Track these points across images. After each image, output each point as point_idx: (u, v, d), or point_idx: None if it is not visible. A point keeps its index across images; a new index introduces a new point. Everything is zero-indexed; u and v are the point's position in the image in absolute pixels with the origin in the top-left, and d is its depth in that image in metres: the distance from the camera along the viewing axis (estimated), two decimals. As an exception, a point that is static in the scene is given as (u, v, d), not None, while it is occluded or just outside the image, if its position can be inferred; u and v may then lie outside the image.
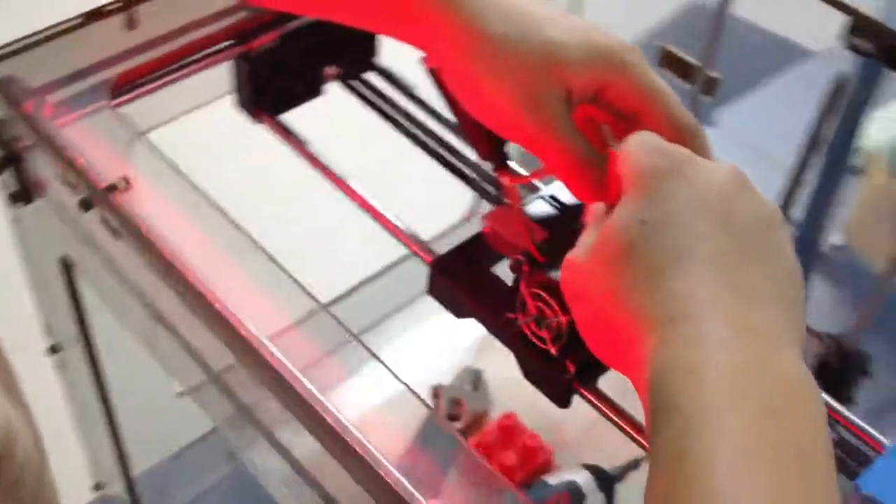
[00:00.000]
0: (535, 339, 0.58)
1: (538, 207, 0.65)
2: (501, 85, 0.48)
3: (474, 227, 0.64)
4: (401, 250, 1.24)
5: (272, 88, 0.75)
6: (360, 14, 0.52)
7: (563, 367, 0.57)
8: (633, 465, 0.92)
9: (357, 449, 0.56)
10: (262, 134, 0.73)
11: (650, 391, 0.37)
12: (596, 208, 0.47)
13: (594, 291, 0.42)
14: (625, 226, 0.41)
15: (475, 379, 1.01)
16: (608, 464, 0.94)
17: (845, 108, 0.93)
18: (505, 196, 0.60)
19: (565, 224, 0.64)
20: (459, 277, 0.63)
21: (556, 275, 0.55)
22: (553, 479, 0.87)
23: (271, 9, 0.63)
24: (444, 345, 1.13)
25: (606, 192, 0.47)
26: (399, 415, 0.60)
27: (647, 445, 0.58)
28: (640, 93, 0.48)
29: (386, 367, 0.62)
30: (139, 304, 0.63)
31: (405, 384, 0.62)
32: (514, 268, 0.57)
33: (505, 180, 0.61)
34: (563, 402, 0.59)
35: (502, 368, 1.13)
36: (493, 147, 0.61)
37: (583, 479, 0.87)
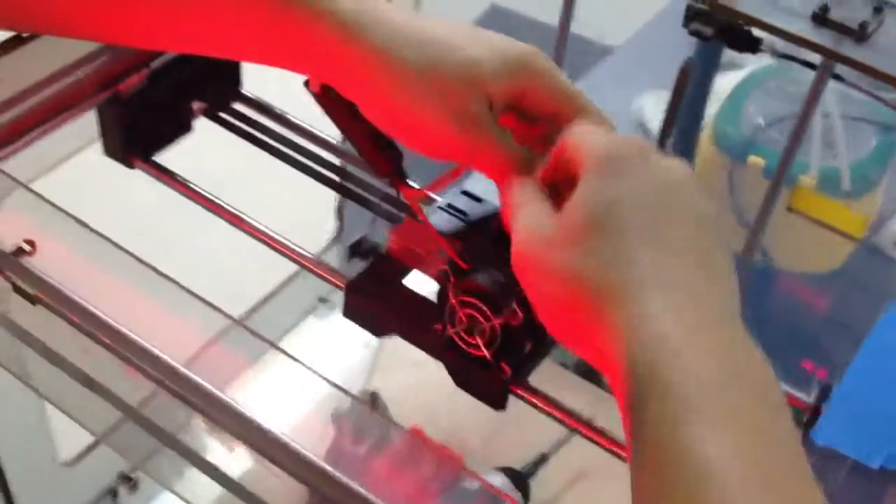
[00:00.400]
0: (466, 347, 0.58)
1: (441, 217, 0.66)
2: (430, 110, 0.48)
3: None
4: (281, 276, 1.23)
5: (142, 131, 0.73)
6: (251, 50, 0.51)
7: (499, 370, 0.57)
8: (542, 460, 0.94)
9: (304, 455, 0.57)
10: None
11: (629, 367, 0.37)
12: (525, 187, 0.47)
13: (558, 269, 0.42)
14: (595, 204, 0.41)
15: (372, 400, 1.00)
16: (517, 463, 0.96)
17: (690, 91, 0.99)
18: (415, 211, 0.60)
19: (471, 229, 0.64)
20: (375, 296, 0.62)
21: (481, 279, 0.56)
22: (471, 486, 0.87)
23: (154, 50, 0.61)
24: (333, 372, 1.12)
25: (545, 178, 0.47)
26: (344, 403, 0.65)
27: (586, 431, 0.60)
28: (556, 95, 0.50)
29: (310, 369, 0.64)
30: (48, 361, 0.60)
31: (333, 383, 0.64)
32: (440, 278, 0.57)
33: (407, 195, 0.61)
34: (500, 405, 0.60)
35: (395, 387, 1.14)
36: (391, 164, 0.61)
37: (498, 481, 0.88)
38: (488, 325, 0.56)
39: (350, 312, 0.64)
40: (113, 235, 0.64)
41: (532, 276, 0.44)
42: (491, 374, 0.58)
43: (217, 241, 1.28)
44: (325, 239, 1.27)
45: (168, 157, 0.74)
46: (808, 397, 0.57)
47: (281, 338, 1.21)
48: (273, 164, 0.79)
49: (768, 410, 0.36)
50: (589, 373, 1.20)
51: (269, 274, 1.24)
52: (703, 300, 0.39)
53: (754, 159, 1.36)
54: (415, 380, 1.11)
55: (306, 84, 0.57)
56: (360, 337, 1.20)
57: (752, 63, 1.55)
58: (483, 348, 0.57)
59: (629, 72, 1.78)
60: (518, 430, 1.06)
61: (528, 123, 0.51)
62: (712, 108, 1.44)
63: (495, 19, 2.17)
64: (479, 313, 0.56)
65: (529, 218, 0.44)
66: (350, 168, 0.78)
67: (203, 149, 0.94)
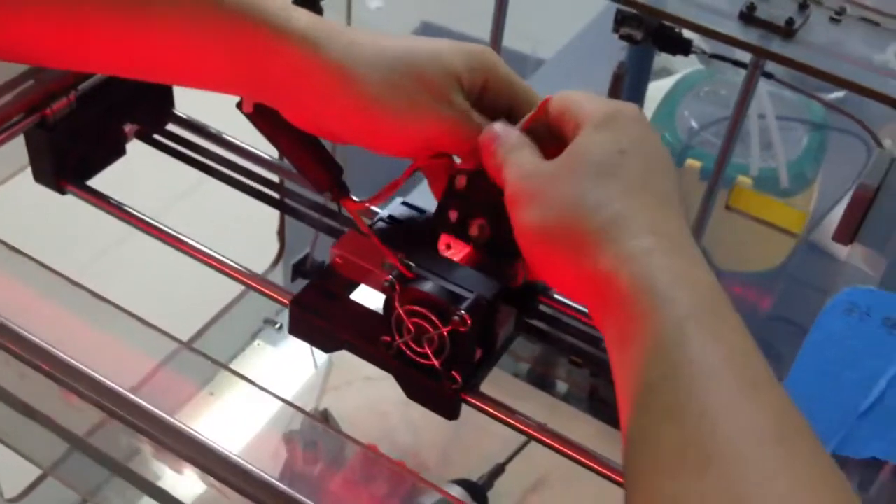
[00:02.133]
0: (415, 357, 0.57)
1: (383, 228, 0.65)
2: (410, 109, 0.51)
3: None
4: (223, 299, 1.21)
5: (72, 156, 0.71)
6: (205, 74, 0.51)
7: (450, 379, 0.57)
8: (499, 471, 0.94)
9: (258, 475, 0.56)
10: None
11: (633, 287, 0.41)
12: (511, 134, 0.51)
13: (562, 199, 0.46)
14: (601, 150, 0.46)
15: (324, 419, 0.99)
16: (473, 476, 0.95)
17: (625, 96, 1.00)
18: (357, 223, 0.60)
19: (414, 239, 0.64)
20: (321, 312, 0.61)
21: (427, 287, 0.55)
22: (427, 500, 0.86)
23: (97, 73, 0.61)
24: (282, 393, 1.10)
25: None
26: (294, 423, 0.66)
27: (540, 436, 0.60)
28: (513, 88, 0.54)
29: (262, 388, 0.64)
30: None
31: (285, 401, 0.64)
32: (386, 289, 0.56)
33: (350, 208, 0.61)
34: (453, 414, 0.59)
35: (347, 405, 1.12)
36: (331, 178, 0.60)
37: (456, 493, 0.88)
38: (436, 334, 0.55)
39: (296, 329, 0.63)
40: (49, 262, 0.62)
41: (532, 205, 0.47)
42: (441, 384, 0.57)
43: (156, 266, 1.26)
44: (268, 260, 1.26)
45: (106, 180, 0.73)
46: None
47: (228, 362, 1.19)
48: (210, 189, 0.78)
49: (743, 328, 0.40)
50: (541, 382, 1.20)
51: (211, 298, 1.22)
52: (683, 245, 0.44)
53: (691, 162, 1.38)
54: (367, 396, 1.10)
55: (239, 105, 0.57)
56: (308, 357, 1.20)
57: (685, 69, 1.57)
58: (432, 357, 0.56)
59: (562, 82, 1.79)
60: (474, 442, 1.05)
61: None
62: (647, 114, 1.46)
63: (428, 35, 2.18)
64: (426, 322, 0.56)
65: (526, 157, 0.49)
66: (289, 184, 0.77)
67: (142, 171, 0.93)
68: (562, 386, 1.20)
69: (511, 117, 0.53)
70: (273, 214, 1.24)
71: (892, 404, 0.47)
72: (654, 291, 0.41)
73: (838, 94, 1.33)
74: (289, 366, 1.21)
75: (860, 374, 0.48)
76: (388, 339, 0.58)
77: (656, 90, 1.51)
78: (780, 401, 0.37)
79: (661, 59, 1.47)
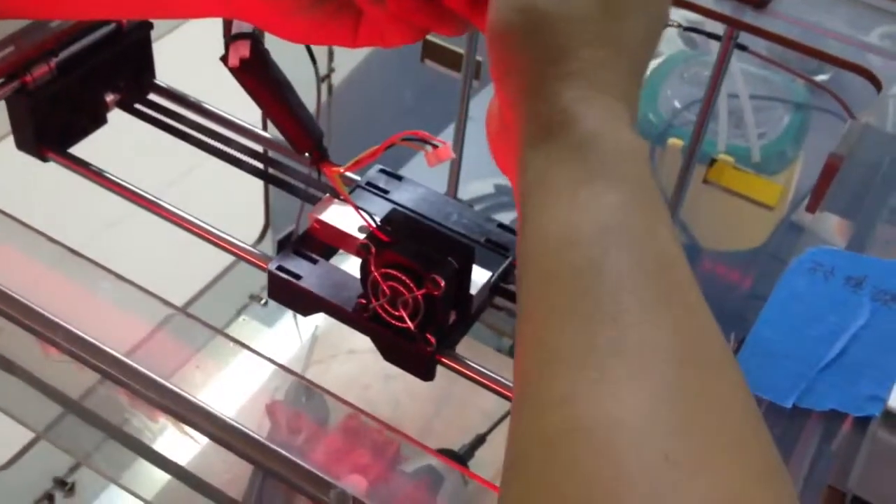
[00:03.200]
0: (391, 320, 0.58)
1: (361, 195, 0.66)
2: None
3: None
4: (209, 273, 1.22)
5: (53, 123, 0.72)
6: None
7: (425, 341, 0.58)
8: (480, 441, 0.95)
9: (255, 437, 0.59)
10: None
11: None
12: None
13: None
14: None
15: (307, 389, 1.00)
16: (454, 446, 0.96)
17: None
18: (336, 188, 0.60)
19: (391, 204, 0.65)
20: (299, 276, 0.62)
21: (402, 251, 0.56)
22: (409, 468, 0.87)
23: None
24: (267, 367, 1.11)
25: None
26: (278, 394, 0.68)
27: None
28: None
29: (255, 352, 0.65)
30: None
31: (275, 363, 0.65)
32: (361, 253, 0.57)
33: (328, 172, 0.61)
34: (429, 375, 0.60)
35: (330, 377, 1.13)
36: (311, 141, 0.61)
37: (436, 462, 0.88)
38: (411, 297, 0.56)
39: (275, 294, 0.64)
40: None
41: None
42: (417, 346, 0.58)
43: (139, 241, 1.27)
44: (253, 237, 1.27)
45: (99, 149, 0.74)
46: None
47: (213, 337, 1.19)
48: (195, 168, 0.78)
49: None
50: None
51: (196, 274, 1.22)
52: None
53: (674, 141, 1.39)
54: (349, 370, 1.11)
55: (223, 59, 0.57)
56: (293, 332, 1.21)
57: (668, 50, 1.59)
58: (407, 320, 0.57)
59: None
60: (455, 415, 1.06)
61: None
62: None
63: None
64: (401, 285, 0.56)
65: None
66: (273, 154, 0.77)
67: (133, 151, 0.93)
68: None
69: None
70: (258, 196, 1.24)
71: (852, 360, 0.48)
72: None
73: (823, 76, 1.34)
74: (273, 341, 1.22)
75: (822, 331, 0.49)
76: (364, 301, 0.59)
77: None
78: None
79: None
